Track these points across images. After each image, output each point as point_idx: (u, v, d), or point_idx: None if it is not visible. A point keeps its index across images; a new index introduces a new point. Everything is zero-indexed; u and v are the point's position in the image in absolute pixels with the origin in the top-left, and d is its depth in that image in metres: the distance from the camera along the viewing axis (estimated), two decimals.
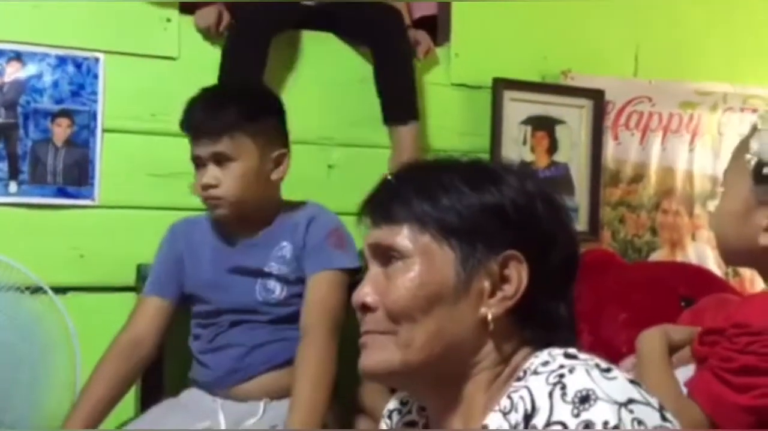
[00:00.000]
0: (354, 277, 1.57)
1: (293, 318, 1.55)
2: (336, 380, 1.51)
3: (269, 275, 1.57)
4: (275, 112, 1.62)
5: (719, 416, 1.09)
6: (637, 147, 2.42)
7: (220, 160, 1.52)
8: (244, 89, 1.69)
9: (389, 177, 0.87)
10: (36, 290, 1.72)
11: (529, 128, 2.28)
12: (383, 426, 0.92)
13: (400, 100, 2.06)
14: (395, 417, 0.91)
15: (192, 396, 1.59)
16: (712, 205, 2.45)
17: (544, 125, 2.30)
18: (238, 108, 1.53)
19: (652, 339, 1.24)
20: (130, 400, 1.72)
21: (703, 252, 2.43)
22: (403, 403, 0.91)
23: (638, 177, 2.42)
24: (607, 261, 2.11)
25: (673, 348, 1.23)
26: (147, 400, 1.70)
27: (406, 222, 0.82)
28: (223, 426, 1.47)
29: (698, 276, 2.08)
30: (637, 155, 2.42)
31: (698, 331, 1.21)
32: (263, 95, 1.67)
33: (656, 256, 2.42)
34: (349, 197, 2.08)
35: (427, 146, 2.18)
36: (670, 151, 2.45)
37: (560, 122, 2.32)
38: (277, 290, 1.57)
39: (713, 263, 2.38)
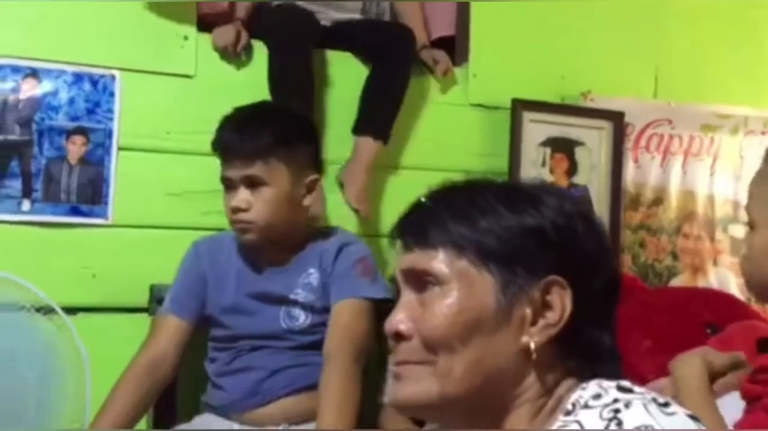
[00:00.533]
0: (380, 308, 1.54)
1: (317, 345, 1.51)
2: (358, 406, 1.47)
3: (294, 302, 1.54)
4: (310, 137, 1.60)
5: None
6: (658, 170, 2.38)
7: (251, 183, 1.50)
8: (280, 113, 1.66)
9: (423, 199, 0.83)
10: (48, 310, 1.68)
11: (548, 150, 2.25)
12: None
13: (380, 116, 2.00)
14: None
15: (206, 421, 1.55)
16: (734, 229, 2.43)
17: (563, 147, 2.27)
18: (273, 132, 1.50)
19: (691, 365, 1.15)
20: (141, 425, 1.68)
21: (725, 278, 2.39)
22: None
23: (658, 200, 2.38)
24: (630, 287, 2.07)
25: (713, 375, 1.16)
26: (159, 425, 1.65)
27: (441, 246, 0.78)
28: None
29: (722, 302, 2.03)
30: (657, 178, 2.38)
31: (743, 358, 1.15)
32: (298, 120, 1.64)
33: (677, 281, 2.37)
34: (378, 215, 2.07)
35: (445, 166, 2.14)
36: (691, 174, 2.41)
37: (580, 143, 2.28)
38: (302, 318, 1.53)
39: (735, 288, 2.33)
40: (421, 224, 0.80)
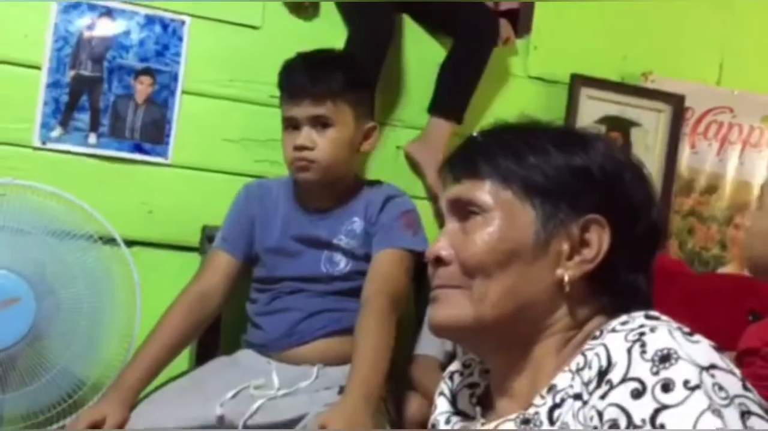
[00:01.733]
0: (419, 262, 1.57)
1: (354, 292, 1.55)
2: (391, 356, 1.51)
3: (337, 247, 1.58)
4: (370, 85, 1.64)
5: None
6: (714, 158, 2.35)
7: (318, 123, 1.54)
8: (346, 59, 1.72)
9: (475, 134, 0.86)
10: (107, 240, 1.76)
11: (603, 128, 2.23)
12: (443, 386, 0.91)
13: (458, 98, 2.01)
14: (456, 378, 0.90)
15: (246, 356, 1.61)
16: None
17: (619, 126, 2.25)
18: (343, 75, 1.56)
19: None
20: (185, 356, 1.74)
21: None
22: (465, 365, 0.90)
23: (712, 188, 2.35)
24: (675, 270, 2.06)
25: None
26: (202, 357, 1.72)
27: (489, 178, 0.81)
28: (276, 386, 1.48)
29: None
30: (712, 166, 2.35)
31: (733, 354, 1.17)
32: (362, 67, 1.68)
33: (724, 271, 2.34)
34: (414, 179, 2.10)
35: None
36: (748, 165, 2.37)
37: (636, 124, 2.27)
38: (342, 264, 1.57)
39: None
40: (471, 157, 0.83)
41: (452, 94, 2.00)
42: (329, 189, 1.59)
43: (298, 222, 1.61)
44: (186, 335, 1.56)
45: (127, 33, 1.90)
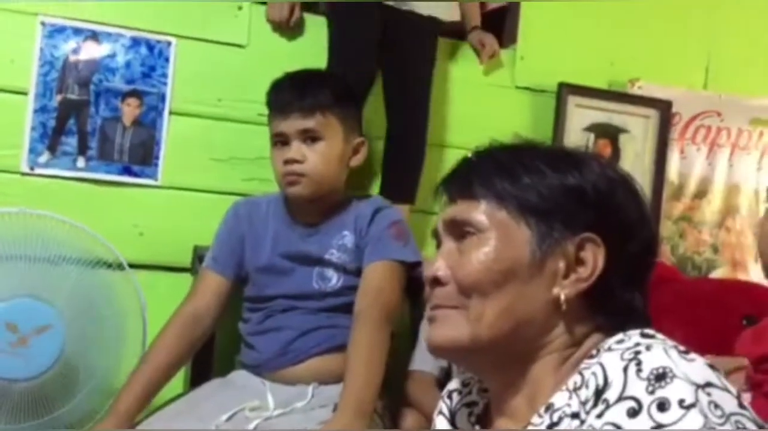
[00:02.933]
0: (411, 272, 1.57)
1: (347, 308, 1.54)
2: (385, 371, 1.50)
3: (328, 262, 1.57)
4: (359, 102, 1.66)
5: None
6: (703, 162, 2.36)
7: (307, 137, 1.55)
8: (332, 75, 1.74)
9: (470, 155, 0.86)
10: (105, 264, 1.76)
11: (592, 136, 2.24)
12: (441, 405, 0.90)
13: (404, 180, 1.99)
14: (455, 397, 0.90)
15: (240, 376, 1.60)
16: None
17: (607, 133, 2.26)
18: (332, 90, 1.57)
19: None
20: (179, 379, 1.74)
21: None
22: (464, 384, 0.90)
23: (702, 193, 2.36)
24: (667, 276, 2.06)
25: None
26: (197, 379, 1.71)
27: (483, 198, 0.81)
28: (272, 406, 1.47)
29: (763, 295, 2.01)
30: (702, 170, 2.36)
31: (745, 362, 1.17)
32: (350, 86, 1.69)
33: (716, 275, 2.35)
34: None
35: None
36: (737, 168, 2.38)
37: (624, 131, 2.28)
38: (334, 280, 1.57)
39: None
40: (466, 177, 0.83)
41: (400, 178, 1.98)
42: (319, 204, 1.59)
43: (288, 239, 1.60)
44: (179, 356, 1.56)
45: (112, 56, 1.90)
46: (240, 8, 2.01)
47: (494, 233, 0.79)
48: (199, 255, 1.83)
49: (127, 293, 1.74)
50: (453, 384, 0.91)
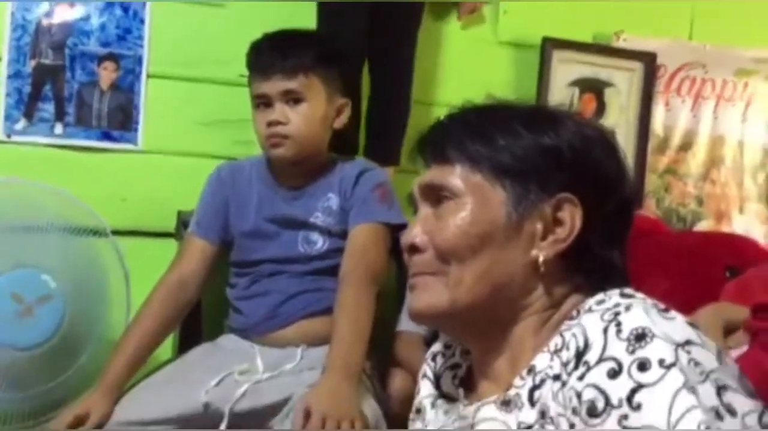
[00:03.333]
0: (396, 234, 1.57)
1: (333, 271, 1.54)
2: (373, 332, 1.51)
3: (313, 226, 1.56)
4: (344, 63, 1.62)
5: None
6: (688, 114, 2.36)
7: (290, 99, 1.53)
8: (316, 36, 1.71)
9: (442, 118, 0.85)
10: (91, 231, 1.75)
11: (576, 90, 2.23)
12: (426, 368, 0.91)
13: (388, 142, 1.97)
14: (439, 359, 0.90)
15: (229, 340, 1.60)
16: (762, 177, 2.40)
17: (592, 88, 2.24)
18: (314, 50, 1.54)
19: (708, 317, 1.18)
20: (168, 345, 1.74)
21: (750, 225, 2.37)
22: (446, 346, 0.90)
23: (687, 145, 2.36)
24: (650, 229, 2.06)
25: (729, 329, 1.18)
26: (185, 345, 1.71)
27: (458, 162, 0.80)
28: (261, 370, 1.47)
29: (745, 247, 2.02)
30: (687, 123, 2.36)
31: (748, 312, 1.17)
32: (333, 44, 1.66)
33: (701, 227, 2.37)
34: None
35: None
36: (722, 120, 2.38)
37: (609, 84, 2.26)
38: (319, 243, 1.56)
39: (761, 236, 2.32)
40: (439, 141, 0.82)
41: (384, 140, 1.96)
42: (303, 166, 1.58)
43: (272, 203, 1.59)
44: (166, 323, 1.56)
45: (86, 18, 1.86)
46: None
47: (470, 197, 0.78)
48: (183, 220, 1.82)
49: (111, 259, 1.73)
50: (436, 346, 0.92)
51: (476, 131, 0.80)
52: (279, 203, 1.59)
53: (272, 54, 1.54)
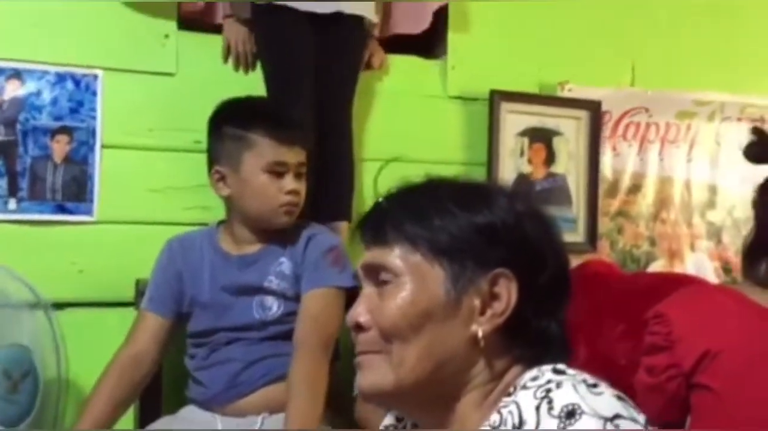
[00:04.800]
0: (350, 296, 1.58)
1: (290, 335, 1.55)
2: (334, 394, 1.52)
3: (268, 290, 1.58)
4: None
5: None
6: (635, 158, 2.43)
7: (300, 170, 1.59)
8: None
9: (381, 200, 0.88)
10: (37, 305, 1.74)
11: (526, 140, 2.29)
12: None
13: (341, 200, 2.01)
14: None
15: (190, 412, 1.59)
16: (711, 215, 2.47)
17: (541, 137, 2.31)
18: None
19: None
20: (128, 419, 1.72)
21: (701, 262, 2.44)
22: (398, 419, 0.92)
23: (636, 188, 2.43)
24: (605, 272, 2.11)
25: None
26: (145, 419, 1.70)
27: (397, 243, 0.83)
28: None
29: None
30: (635, 166, 2.43)
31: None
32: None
33: (655, 266, 2.42)
34: None
35: (425, 158, 2.18)
36: (668, 161, 2.45)
37: (557, 133, 2.32)
38: (274, 308, 1.57)
39: (712, 273, 2.38)
40: (379, 223, 0.85)
41: (334, 197, 1.99)
42: (268, 232, 1.60)
43: (226, 272, 1.60)
44: (121, 403, 1.55)
45: (38, 93, 1.87)
46: (167, 36, 1.99)
47: (409, 277, 0.81)
48: (141, 289, 1.81)
49: (46, 334, 1.72)
50: (388, 419, 0.93)
51: (413, 212, 0.83)
52: (232, 271, 1.60)
53: (292, 124, 1.62)
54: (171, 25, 2.00)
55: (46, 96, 1.88)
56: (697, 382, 1.09)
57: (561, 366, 0.75)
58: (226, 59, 2.02)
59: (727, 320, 1.09)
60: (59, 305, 1.86)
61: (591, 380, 0.73)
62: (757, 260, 1.12)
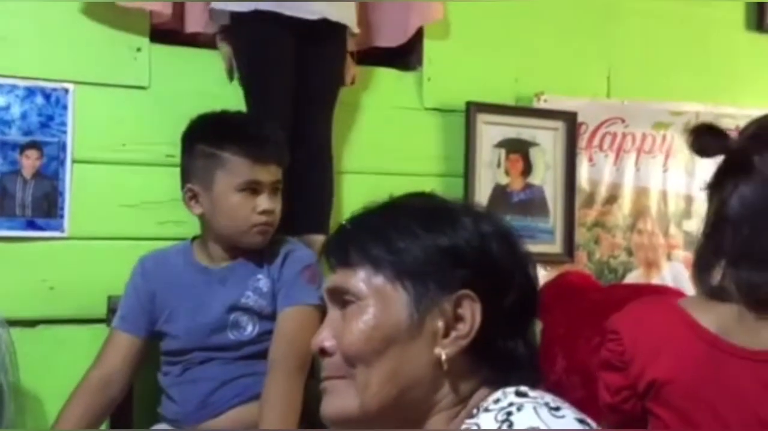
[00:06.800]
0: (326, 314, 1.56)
1: (265, 354, 1.54)
2: (309, 413, 1.50)
3: (245, 307, 1.56)
4: None
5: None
6: (612, 168, 2.43)
7: (275, 189, 1.57)
8: (270, 124, 1.74)
9: (344, 222, 0.87)
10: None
11: (503, 151, 2.29)
12: None
13: (320, 212, 1.98)
14: None
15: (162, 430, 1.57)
16: (687, 224, 2.48)
17: (518, 148, 2.30)
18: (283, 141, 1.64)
19: None
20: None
21: (678, 272, 2.44)
22: None
23: (613, 198, 2.43)
24: (582, 284, 2.11)
25: None
26: None
27: (360, 266, 0.82)
28: None
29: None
30: (611, 176, 2.43)
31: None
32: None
33: (632, 276, 2.43)
34: None
35: (402, 170, 2.17)
36: (644, 171, 2.46)
37: (534, 144, 2.32)
38: (249, 328, 1.56)
39: (688, 283, 2.38)
40: (342, 246, 0.84)
41: (313, 210, 1.96)
42: (244, 250, 1.58)
43: (202, 288, 1.59)
44: (89, 425, 1.53)
45: (7, 108, 1.84)
46: (139, 50, 1.97)
47: (372, 299, 0.80)
48: (113, 306, 1.79)
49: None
50: None
51: (376, 234, 0.82)
52: (209, 287, 1.58)
53: (267, 141, 1.57)
54: (143, 39, 1.97)
55: (16, 110, 1.85)
56: (649, 408, 1.09)
57: (524, 389, 0.75)
58: (231, 78, 2.01)
59: (676, 347, 1.07)
60: (30, 323, 1.83)
61: (554, 403, 0.72)
62: (706, 270, 1.09)
